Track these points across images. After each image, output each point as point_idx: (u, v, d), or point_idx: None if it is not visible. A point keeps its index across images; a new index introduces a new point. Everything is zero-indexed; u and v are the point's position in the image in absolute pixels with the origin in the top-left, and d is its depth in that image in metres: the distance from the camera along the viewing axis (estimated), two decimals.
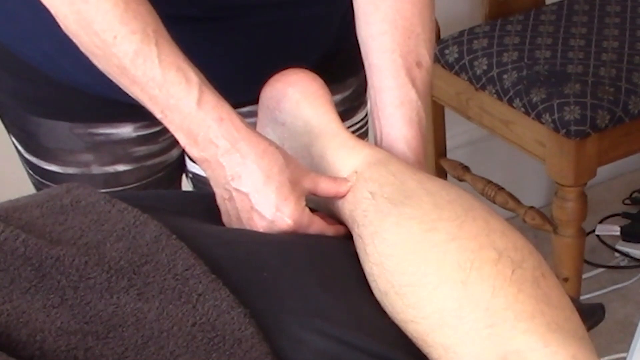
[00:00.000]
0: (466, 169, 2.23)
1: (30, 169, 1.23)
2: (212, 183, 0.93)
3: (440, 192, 0.86)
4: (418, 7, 1.01)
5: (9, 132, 1.23)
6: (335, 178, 0.92)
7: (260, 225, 0.89)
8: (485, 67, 1.99)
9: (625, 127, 1.90)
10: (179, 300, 0.73)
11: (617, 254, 2.42)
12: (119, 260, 0.75)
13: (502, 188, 2.14)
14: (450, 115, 2.21)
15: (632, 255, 2.40)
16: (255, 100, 1.02)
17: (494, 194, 2.13)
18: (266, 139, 0.91)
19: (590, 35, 2.04)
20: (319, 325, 0.75)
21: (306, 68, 1.00)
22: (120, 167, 1.19)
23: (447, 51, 2.06)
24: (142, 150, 1.18)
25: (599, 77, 1.91)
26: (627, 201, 2.55)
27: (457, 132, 2.33)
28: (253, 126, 0.93)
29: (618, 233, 2.43)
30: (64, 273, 0.73)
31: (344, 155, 0.94)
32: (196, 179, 1.28)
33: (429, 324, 0.78)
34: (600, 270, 2.38)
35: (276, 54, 1.09)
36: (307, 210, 0.90)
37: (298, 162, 0.92)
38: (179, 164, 1.26)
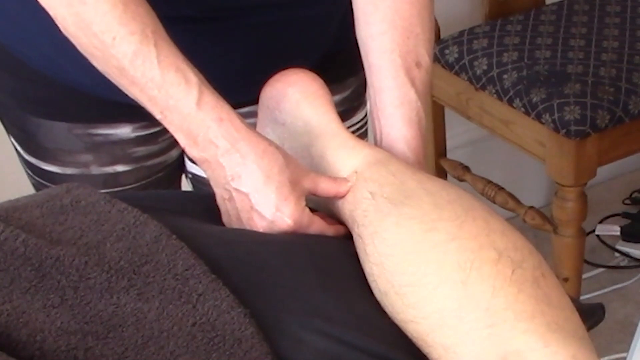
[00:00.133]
0: (466, 169, 2.22)
1: (29, 169, 1.22)
2: (212, 183, 0.93)
3: (440, 192, 0.86)
4: (417, 7, 1.01)
5: (8, 132, 1.23)
6: (335, 178, 0.92)
7: (260, 225, 0.89)
8: (485, 67, 1.99)
9: (625, 127, 1.90)
10: (179, 300, 0.73)
11: (617, 254, 2.42)
12: (119, 260, 0.75)
13: (502, 188, 2.14)
14: (450, 115, 2.21)
15: (632, 255, 2.40)
16: (255, 101, 1.02)
17: (494, 194, 2.13)
18: (266, 139, 0.91)
19: (590, 35, 2.04)
20: (319, 325, 0.75)
21: (306, 68, 1.00)
22: (120, 168, 1.19)
23: (447, 51, 2.06)
24: (141, 150, 1.18)
25: (599, 77, 1.91)
26: (627, 201, 2.55)
27: (457, 132, 2.33)
28: (253, 126, 0.93)
29: (618, 233, 2.43)
30: (64, 273, 0.73)
31: (344, 155, 0.94)
32: (196, 179, 1.28)
33: (429, 324, 0.78)
34: (600, 270, 2.38)
35: (276, 54, 1.09)
36: (307, 210, 0.90)
37: (298, 162, 0.92)
38: (179, 165, 1.26)
